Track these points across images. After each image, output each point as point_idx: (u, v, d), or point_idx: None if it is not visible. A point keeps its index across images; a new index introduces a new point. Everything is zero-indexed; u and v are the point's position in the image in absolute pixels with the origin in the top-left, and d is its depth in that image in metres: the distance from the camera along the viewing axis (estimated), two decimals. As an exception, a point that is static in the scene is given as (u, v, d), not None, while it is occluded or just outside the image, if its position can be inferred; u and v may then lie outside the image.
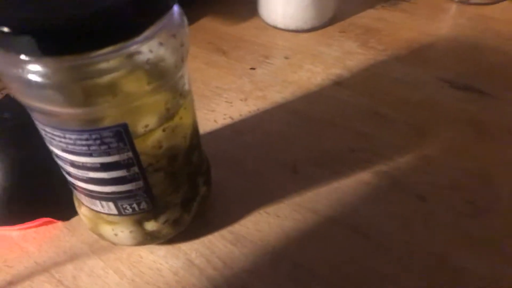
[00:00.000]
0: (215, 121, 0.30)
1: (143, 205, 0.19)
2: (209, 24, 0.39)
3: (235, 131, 0.29)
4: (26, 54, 0.13)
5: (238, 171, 0.26)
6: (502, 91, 0.30)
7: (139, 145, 0.17)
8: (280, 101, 0.31)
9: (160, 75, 0.15)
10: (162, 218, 0.20)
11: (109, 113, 0.15)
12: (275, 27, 0.37)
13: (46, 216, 0.23)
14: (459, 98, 0.30)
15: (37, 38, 0.13)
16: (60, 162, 0.18)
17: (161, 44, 0.15)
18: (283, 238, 0.23)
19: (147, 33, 0.14)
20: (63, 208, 0.23)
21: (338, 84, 0.32)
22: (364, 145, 0.27)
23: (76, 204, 0.22)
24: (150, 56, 0.15)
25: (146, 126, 0.17)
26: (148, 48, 0.15)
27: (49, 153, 0.23)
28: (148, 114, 0.16)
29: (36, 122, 0.17)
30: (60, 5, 0.13)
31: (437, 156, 0.26)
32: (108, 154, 0.16)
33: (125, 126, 0.16)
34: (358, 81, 0.32)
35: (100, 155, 0.16)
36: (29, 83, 0.14)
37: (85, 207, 0.21)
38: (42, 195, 0.23)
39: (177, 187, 0.20)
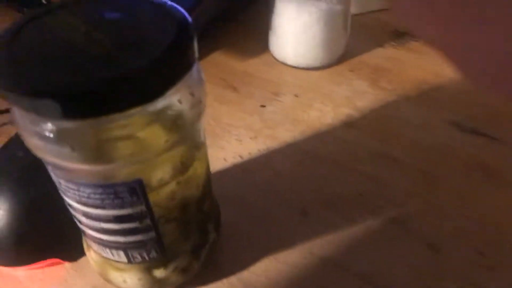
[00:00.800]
0: (224, 159, 0.30)
1: (153, 254, 0.19)
2: (219, 59, 0.39)
3: (244, 170, 0.29)
4: (45, 116, 0.13)
5: (247, 213, 0.26)
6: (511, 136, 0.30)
7: (153, 198, 0.17)
8: (290, 141, 0.31)
9: (178, 132, 0.16)
10: (172, 266, 0.20)
11: (125, 170, 0.15)
12: (285, 64, 0.38)
13: (54, 257, 0.23)
14: (468, 142, 0.30)
15: (58, 102, 0.13)
16: (72, 211, 0.18)
17: (180, 102, 0.15)
18: (292, 287, 0.22)
19: (168, 92, 0.14)
20: (71, 248, 0.23)
21: (348, 124, 0.32)
22: (373, 189, 0.27)
23: (85, 246, 0.22)
24: (169, 114, 0.15)
25: (161, 180, 0.17)
26: (168, 106, 0.15)
27: (58, 194, 0.23)
28: (163, 169, 0.16)
29: (51, 173, 0.17)
30: (82, 66, 0.14)
31: (447, 203, 0.26)
32: (122, 208, 0.16)
33: (139, 182, 0.16)
34: (368, 122, 0.32)
35: (113, 208, 0.16)
36: (47, 140, 0.14)
37: (94, 252, 0.21)
38: (51, 236, 0.23)
39: (187, 235, 0.20)
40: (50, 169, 0.17)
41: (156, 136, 0.15)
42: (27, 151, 0.24)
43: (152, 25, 0.15)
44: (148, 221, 0.17)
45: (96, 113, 0.13)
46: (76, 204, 0.17)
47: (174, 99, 0.15)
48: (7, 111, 0.32)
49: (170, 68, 0.14)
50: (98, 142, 0.14)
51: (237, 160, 0.30)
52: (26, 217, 0.22)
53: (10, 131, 0.32)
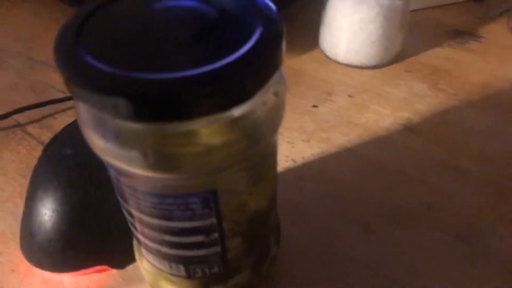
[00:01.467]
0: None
1: (215, 269, 0.17)
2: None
3: (298, 176, 0.27)
4: (116, 117, 0.12)
5: (304, 225, 0.24)
6: None
7: (224, 210, 0.15)
8: (346, 145, 0.29)
9: (259, 138, 0.14)
10: (231, 282, 0.18)
11: (199, 180, 0.14)
12: (337, 62, 0.35)
13: (101, 264, 0.21)
14: (545, 154, 0.27)
15: (132, 102, 0.11)
16: (130, 219, 0.17)
17: (264, 104, 0.13)
18: (358, 308, 0.20)
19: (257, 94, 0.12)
20: (120, 255, 0.22)
21: (409, 129, 0.29)
22: (441, 203, 0.25)
23: (137, 255, 0.20)
24: (252, 119, 0.13)
25: (234, 190, 0.15)
26: (251, 110, 0.13)
27: (108, 196, 0.22)
28: (238, 178, 0.15)
29: (114, 180, 0.15)
30: (159, 62, 0.12)
31: (526, 222, 0.24)
32: (191, 220, 0.15)
33: (214, 193, 0.14)
34: (430, 127, 0.29)
35: (181, 220, 0.15)
36: (115, 143, 0.13)
37: (147, 261, 0.19)
38: (99, 241, 0.21)
39: (251, 250, 0.18)
40: (112, 173, 0.15)
41: (236, 144, 0.13)
42: (75, 149, 0.23)
43: (237, 16, 0.13)
44: (215, 235, 0.16)
45: (175, 117, 0.11)
46: (139, 214, 0.15)
47: (259, 101, 0.13)
48: (48, 103, 0.31)
49: (261, 66, 0.12)
50: (173, 148, 0.12)
51: (290, 164, 0.28)
52: (75, 220, 0.21)
53: (53, 124, 0.31)
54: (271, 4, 0.14)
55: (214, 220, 0.15)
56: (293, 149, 0.29)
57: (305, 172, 0.27)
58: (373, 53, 0.34)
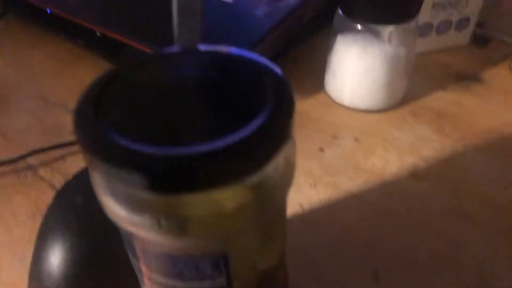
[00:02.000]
0: (283, 208, 0.28)
1: (224, 326, 0.17)
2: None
3: (306, 222, 0.27)
4: (132, 188, 0.12)
5: (312, 275, 0.24)
6: None
7: (234, 270, 0.15)
8: (353, 191, 0.29)
9: (270, 203, 0.14)
10: (239, 338, 0.18)
11: (211, 243, 0.14)
12: (342, 105, 0.36)
13: (108, 314, 0.21)
14: (552, 202, 0.27)
15: (149, 176, 0.11)
16: (140, 276, 0.17)
17: (275, 169, 0.14)
18: None
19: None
20: (127, 306, 0.22)
21: (415, 176, 0.30)
22: (450, 252, 0.25)
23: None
24: (263, 185, 0.13)
25: (245, 252, 0.15)
26: (263, 177, 0.13)
27: (117, 246, 0.22)
28: (248, 241, 0.15)
29: (124, 238, 0.16)
30: (175, 134, 0.12)
31: (536, 273, 0.23)
32: (201, 280, 0.15)
33: (224, 256, 0.14)
34: (437, 174, 0.30)
35: (191, 279, 0.15)
36: (130, 210, 0.13)
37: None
38: (106, 290, 0.21)
39: (259, 306, 0.18)
40: (124, 235, 0.15)
41: (249, 209, 0.13)
42: (85, 197, 0.23)
43: (247, 85, 0.14)
44: (225, 294, 0.16)
45: (190, 189, 0.12)
46: (149, 271, 0.15)
47: (271, 168, 0.13)
48: (61, 146, 0.32)
49: (274, 136, 0.13)
50: (186, 216, 0.13)
51: (297, 209, 0.28)
52: (84, 270, 0.21)
53: (64, 167, 0.31)
54: (279, 71, 0.14)
55: (223, 280, 0.15)
56: (300, 194, 0.29)
57: (312, 218, 0.27)
58: (378, 98, 0.35)
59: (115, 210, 0.13)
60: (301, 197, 0.29)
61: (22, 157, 0.30)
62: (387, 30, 0.32)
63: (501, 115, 0.35)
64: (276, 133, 0.12)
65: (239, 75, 0.14)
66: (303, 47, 0.43)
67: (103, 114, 0.13)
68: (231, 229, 0.13)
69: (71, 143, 0.32)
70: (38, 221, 0.27)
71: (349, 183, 0.29)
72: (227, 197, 0.13)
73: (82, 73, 0.41)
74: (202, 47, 0.16)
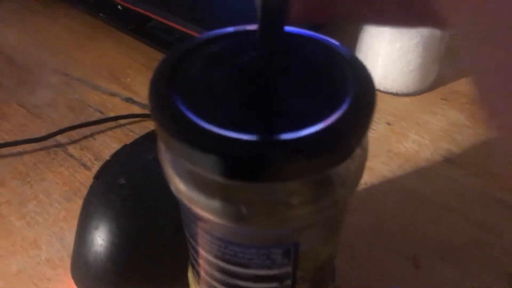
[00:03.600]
0: (318, 192, 0.28)
1: (280, 312, 0.17)
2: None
3: (342, 207, 0.27)
4: (213, 174, 0.12)
5: (352, 259, 0.24)
6: None
7: (301, 260, 0.15)
8: (388, 175, 0.29)
9: (347, 194, 0.14)
10: (291, 323, 0.18)
11: (286, 232, 0.14)
12: (373, 88, 0.36)
13: (154, 296, 0.21)
14: None
15: (234, 163, 0.11)
16: (195, 256, 0.17)
17: (353, 159, 0.13)
18: None
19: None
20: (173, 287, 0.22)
21: (450, 161, 0.29)
22: (490, 239, 0.25)
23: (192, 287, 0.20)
24: (343, 175, 0.13)
25: (313, 242, 0.15)
26: (345, 167, 0.13)
27: (162, 227, 0.22)
28: (318, 230, 0.15)
29: (187, 220, 0.15)
30: (256, 118, 0.12)
31: None
32: (269, 268, 0.15)
33: (296, 245, 0.14)
34: (471, 160, 0.29)
35: (259, 268, 0.15)
36: (208, 196, 0.13)
37: (204, 297, 0.19)
38: (151, 273, 0.21)
39: (314, 292, 0.18)
40: (187, 215, 0.15)
41: (327, 199, 0.13)
42: (128, 179, 0.23)
43: (328, 69, 0.13)
44: (288, 282, 0.16)
45: (273, 178, 0.11)
46: (214, 259, 0.15)
47: (351, 158, 0.13)
48: (89, 124, 0.31)
49: (362, 122, 0.12)
50: (268, 205, 0.12)
51: (332, 193, 0.28)
52: (131, 252, 0.21)
53: (93, 145, 0.31)
54: (359, 57, 0.14)
55: (290, 269, 0.15)
56: (334, 178, 0.29)
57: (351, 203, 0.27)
58: (410, 81, 0.34)
59: (192, 196, 0.13)
60: (335, 180, 0.28)
61: (52, 135, 0.30)
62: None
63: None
64: (364, 119, 0.12)
65: (314, 57, 0.14)
66: (333, 28, 0.42)
67: (179, 90, 0.12)
68: (308, 220, 0.13)
69: (99, 121, 0.31)
70: (73, 200, 0.27)
71: (383, 168, 0.29)
72: (309, 188, 0.12)
73: (103, 47, 0.40)
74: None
